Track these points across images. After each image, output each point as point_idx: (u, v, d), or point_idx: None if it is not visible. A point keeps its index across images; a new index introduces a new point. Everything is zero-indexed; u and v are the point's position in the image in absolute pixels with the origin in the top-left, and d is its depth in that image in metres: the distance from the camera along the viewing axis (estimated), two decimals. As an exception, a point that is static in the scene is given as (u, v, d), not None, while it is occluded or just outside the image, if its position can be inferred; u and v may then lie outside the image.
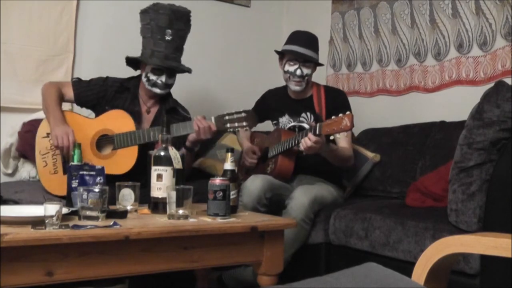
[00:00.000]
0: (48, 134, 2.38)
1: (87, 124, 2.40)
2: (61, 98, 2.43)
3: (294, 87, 2.55)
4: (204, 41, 3.43)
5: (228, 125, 2.26)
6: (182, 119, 2.55)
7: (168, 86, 2.49)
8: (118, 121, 2.37)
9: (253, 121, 2.28)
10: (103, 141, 2.37)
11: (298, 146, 2.25)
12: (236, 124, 2.23)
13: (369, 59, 3.25)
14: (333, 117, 2.10)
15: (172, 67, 2.45)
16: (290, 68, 2.52)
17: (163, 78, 2.44)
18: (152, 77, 2.44)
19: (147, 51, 2.44)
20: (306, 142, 2.16)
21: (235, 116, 2.21)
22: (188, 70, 2.55)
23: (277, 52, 2.63)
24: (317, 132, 2.14)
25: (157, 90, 2.46)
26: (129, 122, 2.36)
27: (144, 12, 2.47)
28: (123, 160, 2.30)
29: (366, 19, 3.26)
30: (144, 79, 2.47)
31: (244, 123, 2.22)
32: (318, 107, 2.53)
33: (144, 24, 2.48)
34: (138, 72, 2.58)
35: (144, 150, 2.19)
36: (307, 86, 2.58)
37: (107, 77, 2.54)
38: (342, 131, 2.08)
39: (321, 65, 2.62)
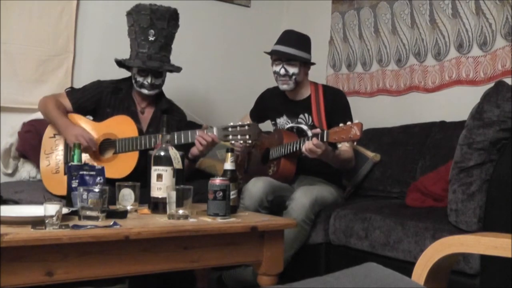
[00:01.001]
0: (55, 135, 2.40)
1: (92, 127, 2.40)
2: (61, 107, 2.42)
3: (281, 86, 2.55)
4: (204, 41, 3.43)
5: (231, 137, 2.22)
6: (178, 120, 2.54)
7: (155, 86, 2.47)
8: (122, 126, 2.37)
9: (256, 135, 2.24)
10: (106, 144, 2.37)
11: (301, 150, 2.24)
12: (239, 137, 2.18)
13: (369, 59, 3.25)
14: (340, 124, 2.07)
15: (154, 68, 2.43)
16: (276, 68, 2.53)
17: (148, 79, 2.44)
18: (139, 78, 2.44)
19: (133, 52, 2.46)
20: (309, 144, 2.15)
21: (238, 128, 2.16)
22: (176, 70, 2.53)
23: (267, 54, 2.63)
24: (324, 140, 2.13)
25: (145, 91, 2.46)
26: (132, 128, 2.36)
27: (128, 14, 2.48)
28: (122, 165, 2.29)
29: (366, 19, 3.26)
30: (133, 81, 2.48)
31: (247, 137, 2.18)
32: (316, 107, 2.52)
33: (129, 26, 2.48)
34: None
35: (144, 154, 2.18)
36: (298, 86, 2.57)
37: (99, 81, 2.53)
38: (351, 140, 2.05)
39: (311, 63, 2.59)
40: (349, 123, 2.04)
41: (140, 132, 2.40)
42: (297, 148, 2.28)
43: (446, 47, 2.79)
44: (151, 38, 2.41)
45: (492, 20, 2.57)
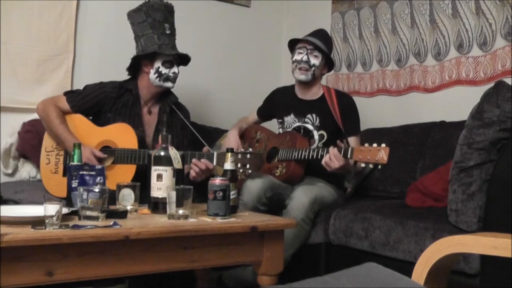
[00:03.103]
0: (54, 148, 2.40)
1: (93, 131, 2.39)
2: (62, 116, 2.39)
3: (299, 76, 2.56)
4: (204, 41, 3.43)
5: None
6: (181, 122, 2.54)
7: (176, 79, 2.49)
8: (122, 135, 2.35)
9: (258, 165, 2.19)
10: (105, 152, 2.34)
11: (319, 159, 2.22)
12: (239, 165, 2.08)
13: (369, 59, 3.25)
14: (366, 144, 2.07)
15: (183, 55, 2.48)
16: (298, 56, 2.56)
17: (175, 70, 2.46)
18: (164, 70, 2.43)
19: (153, 46, 2.41)
20: (333, 161, 2.14)
21: (239, 156, 2.08)
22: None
23: (289, 44, 2.67)
24: (348, 157, 2.12)
25: (169, 84, 2.46)
26: (132, 138, 2.34)
27: (137, 11, 2.46)
28: (120, 176, 2.24)
29: (366, 19, 3.26)
30: (153, 76, 2.43)
31: (247, 166, 2.13)
32: (332, 108, 2.52)
33: (139, 23, 2.45)
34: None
35: (142, 167, 2.16)
36: (311, 84, 2.59)
37: (102, 84, 2.48)
38: (376, 163, 2.02)
39: (330, 63, 2.62)
40: (375, 145, 2.03)
41: (141, 140, 2.38)
42: (314, 157, 2.27)
43: (446, 47, 2.79)
44: (168, 32, 2.45)
45: (492, 20, 2.57)
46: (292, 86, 2.72)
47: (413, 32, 2.97)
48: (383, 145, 2.02)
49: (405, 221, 1.97)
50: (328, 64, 2.63)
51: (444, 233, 1.77)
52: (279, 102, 2.73)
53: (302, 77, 2.55)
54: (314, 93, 2.62)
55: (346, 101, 2.58)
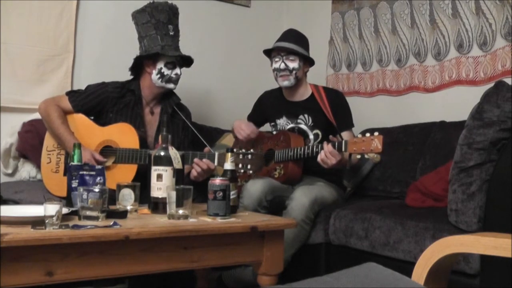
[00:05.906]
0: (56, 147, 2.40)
1: (94, 130, 2.40)
2: (64, 117, 2.40)
3: (281, 82, 2.55)
4: (204, 41, 3.43)
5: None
6: (183, 122, 2.54)
7: (179, 80, 2.50)
8: (124, 135, 2.35)
9: (259, 165, 2.19)
10: (106, 152, 2.35)
11: (314, 156, 2.23)
12: (240, 166, 2.08)
13: (369, 59, 3.25)
14: (359, 135, 2.08)
15: (186, 57, 2.49)
16: (275, 64, 2.55)
17: (177, 71, 2.46)
18: (167, 71, 2.43)
19: (156, 47, 2.42)
20: (328, 157, 2.15)
21: (241, 157, 2.07)
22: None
23: (265, 53, 2.64)
24: (342, 150, 2.12)
25: (171, 85, 2.47)
26: (134, 138, 2.34)
27: (141, 12, 2.47)
28: (121, 176, 2.25)
29: (366, 19, 3.26)
30: (156, 77, 2.44)
31: (249, 166, 2.14)
32: (323, 107, 2.52)
33: (143, 23, 2.46)
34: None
35: (144, 167, 2.17)
36: (297, 85, 2.58)
37: (104, 84, 2.49)
38: (371, 153, 2.03)
39: (310, 60, 2.59)
40: (368, 134, 2.04)
41: (143, 140, 2.38)
42: (309, 155, 2.27)
43: (446, 47, 2.79)
44: (171, 33, 2.46)
45: (492, 20, 2.57)
46: (279, 89, 2.70)
47: (413, 32, 2.97)
48: (376, 133, 2.03)
49: (405, 221, 1.97)
50: (309, 60, 2.60)
51: (444, 233, 1.77)
52: (269, 106, 2.73)
53: (286, 83, 2.54)
54: (302, 94, 2.61)
55: (336, 97, 2.58)
